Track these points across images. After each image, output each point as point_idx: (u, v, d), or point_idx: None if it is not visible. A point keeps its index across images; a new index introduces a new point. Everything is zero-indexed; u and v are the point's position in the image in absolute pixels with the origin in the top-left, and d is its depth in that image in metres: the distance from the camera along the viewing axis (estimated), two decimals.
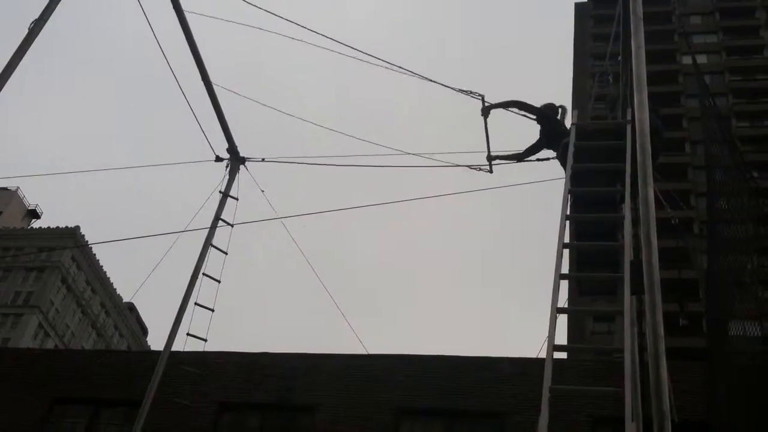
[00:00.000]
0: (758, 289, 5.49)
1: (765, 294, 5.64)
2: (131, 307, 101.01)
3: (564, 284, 6.82)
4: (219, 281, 11.19)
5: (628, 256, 6.60)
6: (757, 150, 57.99)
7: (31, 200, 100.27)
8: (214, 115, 11.31)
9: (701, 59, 68.20)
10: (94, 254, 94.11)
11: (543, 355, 6.25)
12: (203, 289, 10.94)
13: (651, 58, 6.81)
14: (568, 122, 9.06)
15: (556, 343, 6.17)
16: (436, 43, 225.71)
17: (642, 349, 6.73)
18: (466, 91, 9.60)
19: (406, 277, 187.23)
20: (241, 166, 11.96)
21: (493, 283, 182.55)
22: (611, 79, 10.18)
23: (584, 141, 8.20)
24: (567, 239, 7.26)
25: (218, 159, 11.89)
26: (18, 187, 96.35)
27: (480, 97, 9.53)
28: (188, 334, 10.67)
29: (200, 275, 11.03)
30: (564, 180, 7.75)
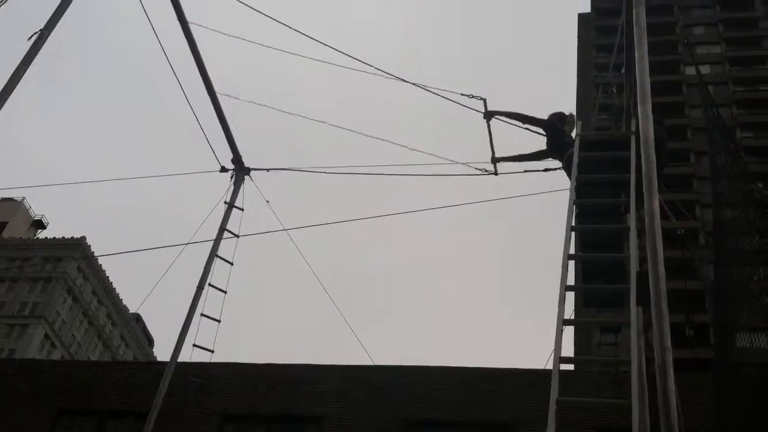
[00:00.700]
0: (765, 300, 5.49)
1: None
2: (137, 318, 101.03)
3: (570, 295, 6.81)
4: (225, 292, 11.19)
5: (634, 266, 6.59)
6: (761, 161, 57.88)
7: (36, 210, 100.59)
8: (219, 125, 11.35)
9: (705, 70, 68.16)
10: (100, 265, 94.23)
11: (549, 366, 6.25)
12: (209, 300, 10.95)
13: (654, 68, 6.82)
14: (573, 133, 9.07)
15: (562, 354, 6.17)
16: (438, 54, 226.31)
17: (649, 360, 6.71)
18: (467, 95, 9.65)
19: (414, 286, 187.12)
20: (246, 177, 12.00)
21: (499, 293, 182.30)
22: (615, 90, 10.17)
23: (589, 152, 8.22)
24: (572, 250, 7.26)
25: (223, 169, 11.91)
26: (24, 198, 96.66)
27: (482, 100, 9.59)
28: (195, 345, 10.67)
29: (206, 286, 11.04)
30: (569, 191, 7.76)
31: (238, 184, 11.91)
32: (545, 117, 9.44)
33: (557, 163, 9.34)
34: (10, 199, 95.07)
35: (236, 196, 11.83)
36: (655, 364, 4.66)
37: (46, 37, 8.03)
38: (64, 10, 8.30)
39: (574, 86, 75.21)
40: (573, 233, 7.31)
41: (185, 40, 10.14)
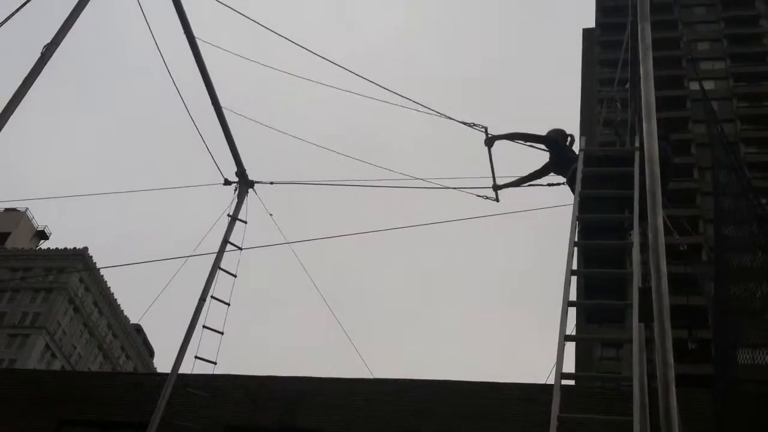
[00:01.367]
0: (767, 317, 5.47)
1: None
2: (138, 329, 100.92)
3: (572, 311, 6.80)
4: (228, 304, 11.20)
5: (636, 283, 6.59)
6: (765, 176, 57.84)
7: (39, 221, 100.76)
8: (223, 138, 11.39)
9: (709, 85, 68.29)
10: (102, 276, 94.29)
11: (551, 381, 6.23)
12: (212, 312, 10.95)
13: (659, 83, 6.82)
14: (576, 149, 9.10)
15: (564, 370, 6.15)
16: (441, 70, 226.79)
17: (651, 376, 6.69)
18: (469, 124, 9.70)
19: (415, 300, 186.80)
20: (250, 190, 12.02)
21: (500, 307, 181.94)
22: (619, 105, 10.20)
23: (593, 167, 8.23)
24: (575, 266, 7.26)
25: (227, 182, 11.95)
26: (27, 209, 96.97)
27: (483, 129, 9.63)
28: (197, 357, 10.67)
29: (209, 298, 11.05)
30: (572, 206, 7.77)
31: (241, 197, 11.93)
32: (544, 133, 9.48)
33: (560, 178, 9.36)
34: (14, 210, 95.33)
35: (239, 209, 11.86)
36: (657, 380, 4.65)
37: (54, 51, 8.05)
38: (72, 24, 8.32)
39: (578, 101, 75.44)
40: (576, 248, 7.31)
41: (191, 54, 10.19)
